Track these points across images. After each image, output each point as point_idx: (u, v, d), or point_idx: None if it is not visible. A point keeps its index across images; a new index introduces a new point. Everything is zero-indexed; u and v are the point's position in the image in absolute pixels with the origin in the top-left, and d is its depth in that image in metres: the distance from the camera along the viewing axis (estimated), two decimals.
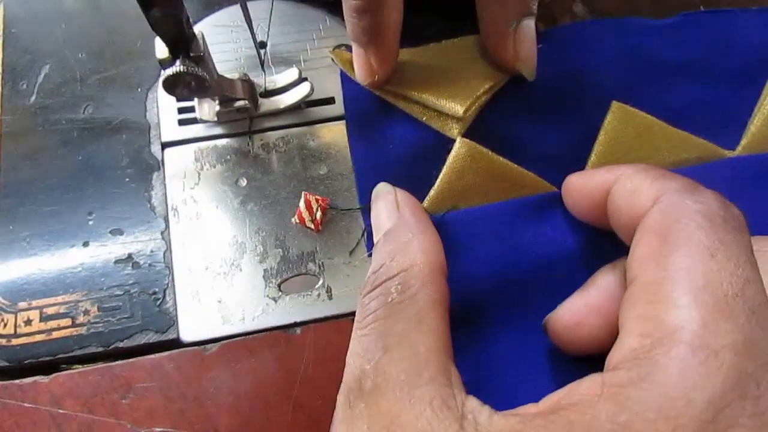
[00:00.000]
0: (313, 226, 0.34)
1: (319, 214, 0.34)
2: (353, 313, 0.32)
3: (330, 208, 0.34)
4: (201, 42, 0.30)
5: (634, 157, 0.35)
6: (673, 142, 0.36)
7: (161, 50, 0.29)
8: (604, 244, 0.33)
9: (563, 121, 0.37)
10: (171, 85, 0.30)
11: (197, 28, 0.38)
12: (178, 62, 0.29)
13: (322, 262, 0.34)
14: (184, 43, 0.29)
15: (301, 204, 0.34)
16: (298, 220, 0.34)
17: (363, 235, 0.34)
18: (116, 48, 0.39)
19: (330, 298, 0.33)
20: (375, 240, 0.31)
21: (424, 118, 0.36)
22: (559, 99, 0.38)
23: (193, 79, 0.30)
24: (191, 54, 0.30)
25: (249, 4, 0.35)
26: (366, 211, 0.34)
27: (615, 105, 0.36)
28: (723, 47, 0.40)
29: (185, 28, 0.29)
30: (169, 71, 0.29)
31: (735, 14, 0.40)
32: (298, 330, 0.32)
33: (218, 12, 0.39)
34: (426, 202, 0.34)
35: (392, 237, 0.29)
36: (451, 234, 0.33)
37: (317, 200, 0.34)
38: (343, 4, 0.33)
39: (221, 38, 0.38)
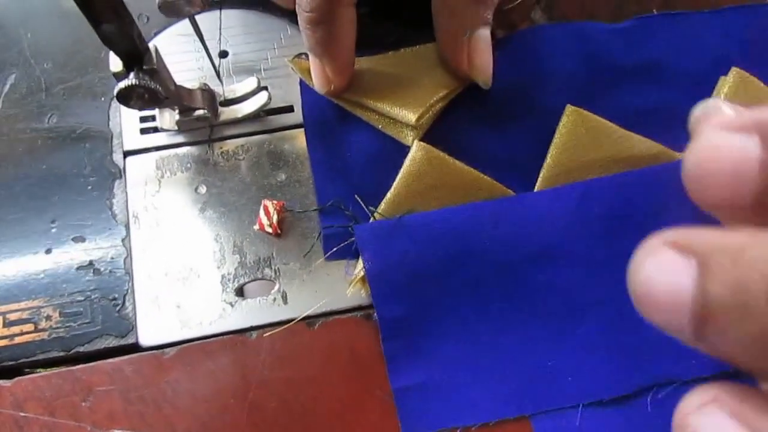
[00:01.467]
0: (271, 230, 0.35)
1: (275, 218, 0.35)
2: (308, 317, 0.33)
3: (286, 210, 0.35)
4: (154, 55, 0.31)
5: (587, 159, 0.36)
6: (626, 145, 0.36)
7: (115, 63, 0.30)
8: (560, 247, 0.34)
9: (519, 126, 0.38)
10: (124, 97, 0.31)
11: (160, 38, 0.39)
12: (131, 75, 0.30)
13: (278, 268, 0.34)
14: (137, 57, 0.30)
15: (261, 211, 0.35)
16: (258, 227, 0.35)
17: (318, 238, 0.35)
18: (81, 58, 0.39)
19: (285, 302, 0.34)
20: None
21: (380, 126, 0.36)
22: (515, 104, 0.38)
23: (146, 92, 0.30)
24: (145, 67, 0.31)
25: (211, 14, 0.36)
26: (322, 212, 0.35)
27: (569, 108, 0.37)
28: (676, 50, 0.40)
29: (137, 42, 0.29)
30: (122, 84, 0.30)
31: (688, 17, 0.41)
32: (254, 334, 0.33)
33: (181, 22, 0.40)
34: (383, 205, 0.35)
35: None
36: (407, 236, 0.34)
37: (273, 204, 0.35)
38: (298, 16, 0.34)
39: (184, 48, 0.39)
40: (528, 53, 0.40)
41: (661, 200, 0.36)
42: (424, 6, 0.40)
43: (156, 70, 0.31)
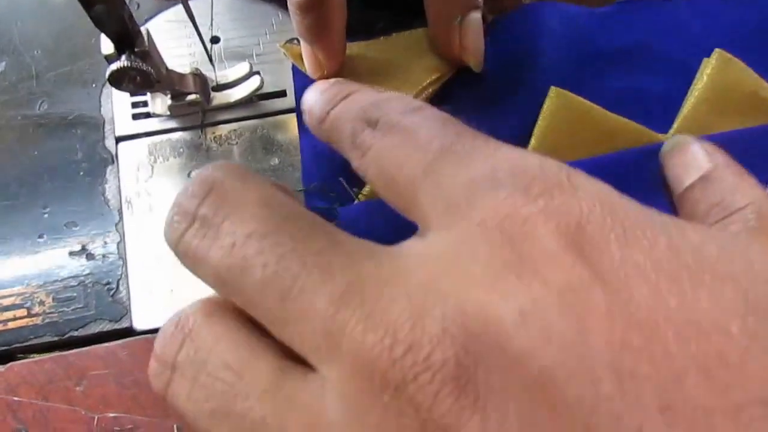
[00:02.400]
0: None
1: None
2: None
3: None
4: (146, 37, 0.31)
5: (572, 142, 0.36)
6: (609, 127, 0.37)
7: (106, 46, 0.30)
8: None
9: (507, 109, 0.38)
10: (116, 80, 0.30)
11: (152, 24, 0.39)
12: (123, 57, 0.30)
13: None
14: (128, 39, 0.30)
15: None
16: None
17: None
18: (71, 44, 0.39)
19: None
20: None
21: None
22: (503, 87, 0.38)
23: (138, 74, 0.30)
24: (136, 49, 0.30)
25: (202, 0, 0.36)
26: (307, 194, 0.35)
27: (553, 90, 0.37)
28: (660, 34, 0.40)
29: (128, 25, 0.29)
30: (114, 66, 0.30)
31: (670, 1, 0.41)
32: None
33: (173, 8, 0.39)
34: (367, 188, 0.35)
35: None
36: (390, 217, 0.34)
37: None
38: (288, 2, 0.34)
39: (176, 33, 0.39)
40: (516, 34, 0.40)
41: (643, 181, 0.36)
42: None
43: (148, 53, 0.31)
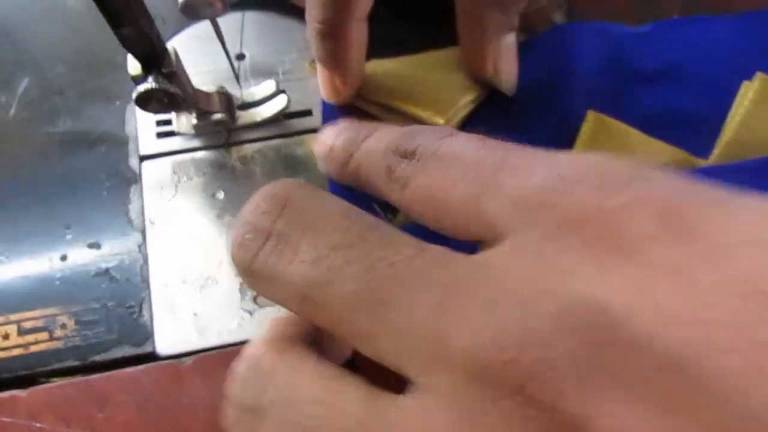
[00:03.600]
0: None
1: None
2: None
3: None
4: (173, 57, 0.30)
5: None
6: (649, 152, 0.36)
7: (133, 66, 0.30)
8: None
9: (540, 131, 0.37)
10: (143, 101, 0.30)
11: (177, 40, 0.38)
12: (150, 78, 0.29)
13: None
14: (156, 59, 0.30)
15: None
16: None
17: None
18: (95, 60, 0.39)
19: None
20: None
21: None
22: (536, 108, 0.38)
23: (165, 95, 0.30)
24: (163, 70, 0.30)
25: (227, 16, 0.35)
26: None
27: (591, 114, 0.36)
28: (697, 54, 0.39)
29: (156, 45, 0.29)
30: (141, 87, 0.29)
31: (709, 21, 0.40)
32: None
33: (198, 24, 0.39)
34: (401, 215, 0.34)
35: None
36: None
37: None
38: (308, 26, 0.33)
39: (201, 51, 0.38)
40: (549, 55, 0.39)
41: None
42: (445, 7, 0.39)
43: (175, 73, 0.30)
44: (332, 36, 0.33)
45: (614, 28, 0.40)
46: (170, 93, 0.30)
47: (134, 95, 0.30)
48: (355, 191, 0.35)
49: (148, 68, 0.30)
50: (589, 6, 0.42)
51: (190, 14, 0.28)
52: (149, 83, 0.29)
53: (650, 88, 0.39)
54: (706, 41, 0.40)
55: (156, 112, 0.31)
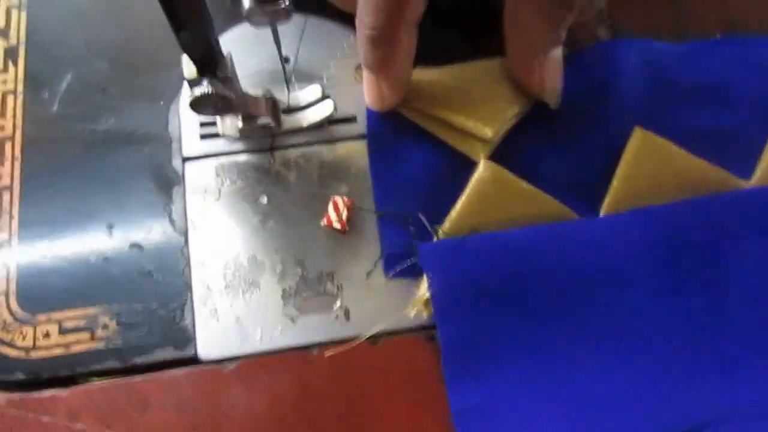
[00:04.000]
0: (340, 227, 0.34)
1: (345, 214, 0.34)
2: (370, 336, 0.33)
3: (356, 208, 0.35)
4: (229, 62, 0.30)
5: (655, 184, 0.35)
6: (691, 170, 0.36)
7: (189, 70, 0.29)
8: (626, 272, 0.33)
9: (584, 146, 0.37)
10: (198, 105, 0.30)
11: (223, 39, 0.38)
12: (205, 82, 0.29)
13: (341, 283, 0.34)
14: (212, 63, 0.29)
15: (330, 208, 0.35)
16: (326, 223, 0.34)
17: (380, 258, 0.34)
18: (138, 58, 0.38)
19: (348, 319, 0.33)
20: None
21: (449, 140, 0.36)
22: (580, 123, 0.38)
23: (220, 100, 0.30)
24: (218, 74, 0.30)
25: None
26: (383, 230, 0.34)
27: (637, 131, 0.36)
28: (740, 74, 0.39)
29: (215, 49, 0.29)
30: (197, 92, 0.29)
31: (753, 41, 0.40)
32: (315, 350, 0.33)
33: (241, 26, 0.39)
34: (446, 224, 0.34)
35: None
36: (471, 256, 0.33)
37: (344, 201, 0.34)
38: (357, 33, 0.33)
39: (243, 52, 0.38)
40: (594, 71, 0.39)
41: (727, 228, 0.35)
42: (486, 16, 0.39)
43: (230, 78, 0.30)
44: (383, 42, 0.33)
45: (658, 46, 0.40)
46: (225, 97, 0.29)
47: (189, 99, 0.29)
48: (402, 200, 0.35)
49: (203, 71, 0.29)
50: (632, 21, 0.42)
51: (255, 21, 0.28)
52: (205, 87, 0.29)
53: (694, 106, 0.39)
54: (749, 60, 0.40)
55: (208, 115, 0.31)
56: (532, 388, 0.32)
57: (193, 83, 0.29)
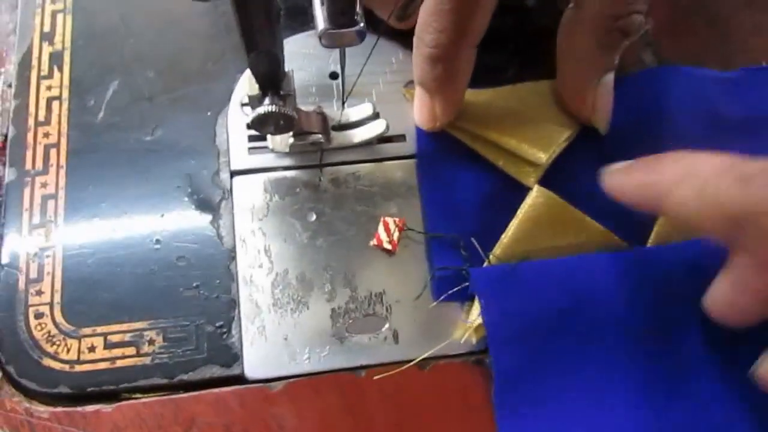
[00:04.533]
0: (390, 247, 0.34)
1: (396, 235, 0.34)
2: (419, 360, 0.32)
3: (407, 229, 0.34)
4: (291, 79, 0.30)
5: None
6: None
7: (252, 87, 0.29)
8: (678, 303, 0.33)
9: None
10: (260, 123, 0.29)
11: None
12: (267, 100, 0.29)
13: (390, 305, 0.33)
14: (276, 81, 0.29)
15: (380, 228, 0.34)
16: (376, 243, 0.34)
17: (431, 280, 0.34)
18: (185, 68, 0.38)
19: (396, 341, 0.33)
20: None
21: (500, 163, 0.35)
22: (627, 150, 0.37)
23: (282, 118, 0.29)
24: (281, 92, 0.29)
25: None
26: (434, 252, 0.34)
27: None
28: None
29: (281, 68, 0.28)
30: (261, 110, 0.29)
31: None
32: (364, 372, 0.32)
33: (290, 38, 0.38)
34: (498, 249, 0.34)
35: None
36: (524, 283, 0.33)
37: (395, 221, 0.34)
38: (415, 50, 0.33)
39: (293, 66, 0.38)
40: (640, 97, 0.39)
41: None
42: (532, 38, 0.39)
43: (291, 95, 0.30)
44: (443, 61, 0.32)
45: (704, 72, 0.40)
46: (287, 116, 0.29)
47: (252, 117, 0.29)
48: (452, 222, 0.35)
49: (265, 89, 0.29)
50: (675, 46, 0.42)
51: (328, 42, 0.27)
52: (268, 106, 0.29)
53: (739, 134, 0.39)
54: None
55: (269, 134, 0.30)
56: (585, 418, 0.32)
57: (254, 101, 0.29)
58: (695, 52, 0.42)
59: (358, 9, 0.26)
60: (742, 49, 0.42)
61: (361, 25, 0.27)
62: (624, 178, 0.31)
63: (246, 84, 0.29)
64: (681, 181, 0.27)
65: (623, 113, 0.38)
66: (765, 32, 0.42)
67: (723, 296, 0.31)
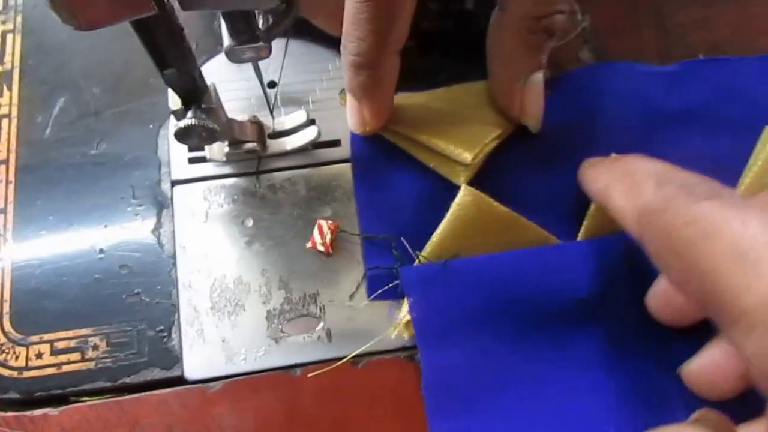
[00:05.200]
0: (324, 249, 0.35)
1: (329, 237, 0.35)
2: (352, 357, 0.33)
3: (341, 231, 0.36)
4: (213, 94, 0.31)
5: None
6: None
7: (174, 101, 0.30)
8: (607, 297, 0.34)
9: (565, 170, 0.37)
10: (183, 136, 0.31)
11: (208, 66, 0.39)
12: (189, 113, 0.30)
13: (323, 305, 0.35)
14: (196, 95, 0.30)
15: (315, 230, 0.36)
16: (311, 246, 0.35)
17: (363, 279, 0.35)
18: (130, 82, 0.39)
19: (330, 340, 0.34)
20: None
21: (431, 164, 0.36)
22: (563, 147, 0.38)
23: (204, 130, 0.30)
24: (203, 105, 0.31)
25: None
26: (367, 252, 0.35)
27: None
28: (723, 96, 0.40)
29: (198, 83, 0.29)
30: (182, 123, 0.30)
31: (736, 62, 0.41)
32: (299, 371, 0.34)
33: None
34: (428, 248, 0.35)
35: None
36: (453, 281, 0.34)
37: (328, 224, 0.35)
38: (342, 57, 0.34)
39: (233, 76, 0.39)
40: (576, 94, 0.40)
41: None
42: (473, 41, 0.40)
43: (214, 109, 0.31)
44: (366, 68, 0.33)
45: (641, 68, 0.41)
46: (209, 128, 0.30)
47: (174, 130, 0.30)
48: (386, 223, 0.36)
49: (188, 103, 0.30)
50: (615, 44, 0.43)
51: (234, 58, 0.29)
52: (189, 119, 0.30)
53: (676, 128, 0.39)
54: (732, 82, 0.40)
55: (193, 145, 0.32)
56: (514, 414, 0.33)
57: (177, 115, 0.30)
58: (635, 48, 0.43)
59: (260, 25, 0.27)
60: (680, 43, 0.42)
61: (260, 43, 0.28)
62: (585, 172, 0.33)
63: (170, 99, 0.30)
64: (618, 180, 0.29)
65: (559, 111, 0.38)
66: (703, 27, 0.43)
67: (661, 295, 0.33)
